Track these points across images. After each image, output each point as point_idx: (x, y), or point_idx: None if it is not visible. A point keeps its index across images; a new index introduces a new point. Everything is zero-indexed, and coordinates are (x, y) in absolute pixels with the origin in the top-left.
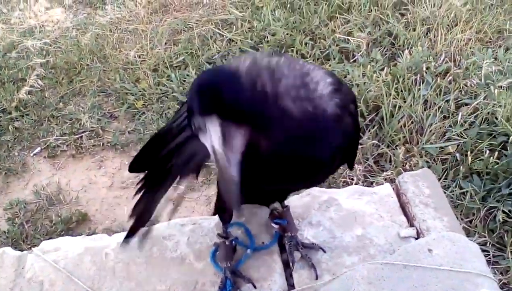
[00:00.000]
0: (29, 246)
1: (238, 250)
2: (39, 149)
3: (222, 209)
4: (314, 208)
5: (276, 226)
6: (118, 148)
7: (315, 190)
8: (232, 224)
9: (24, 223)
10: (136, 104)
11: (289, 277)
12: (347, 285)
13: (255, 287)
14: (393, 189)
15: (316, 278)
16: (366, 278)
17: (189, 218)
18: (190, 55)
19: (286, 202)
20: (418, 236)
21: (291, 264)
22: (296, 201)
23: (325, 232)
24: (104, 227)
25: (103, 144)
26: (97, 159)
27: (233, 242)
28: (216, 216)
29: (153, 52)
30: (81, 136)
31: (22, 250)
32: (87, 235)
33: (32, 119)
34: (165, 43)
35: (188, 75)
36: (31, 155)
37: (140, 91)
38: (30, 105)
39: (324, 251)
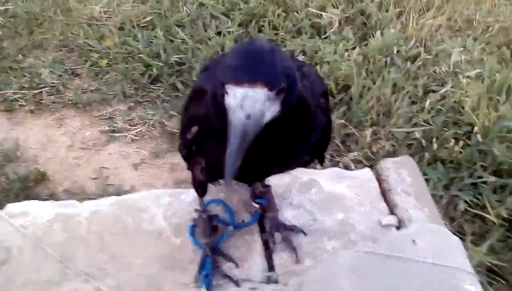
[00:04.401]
0: None
1: (219, 228)
2: None
3: (197, 182)
4: (295, 189)
5: (257, 206)
6: (80, 106)
7: (295, 170)
8: (210, 201)
9: None
10: (100, 62)
11: (269, 258)
12: (330, 271)
13: (237, 266)
14: (374, 174)
15: (297, 262)
16: (348, 265)
17: (165, 190)
18: (159, 16)
19: (267, 182)
20: (399, 225)
21: (271, 245)
22: (277, 181)
23: (306, 214)
24: (64, 188)
25: (64, 102)
26: (57, 116)
27: (212, 219)
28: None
29: (120, 9)
30: (41, 92)
31: None
32: (48, 196)
33: None
34: (133, 1)
35: (155, 36)
36: None
37: (104, 49)
38: None
39: (305, 234)
